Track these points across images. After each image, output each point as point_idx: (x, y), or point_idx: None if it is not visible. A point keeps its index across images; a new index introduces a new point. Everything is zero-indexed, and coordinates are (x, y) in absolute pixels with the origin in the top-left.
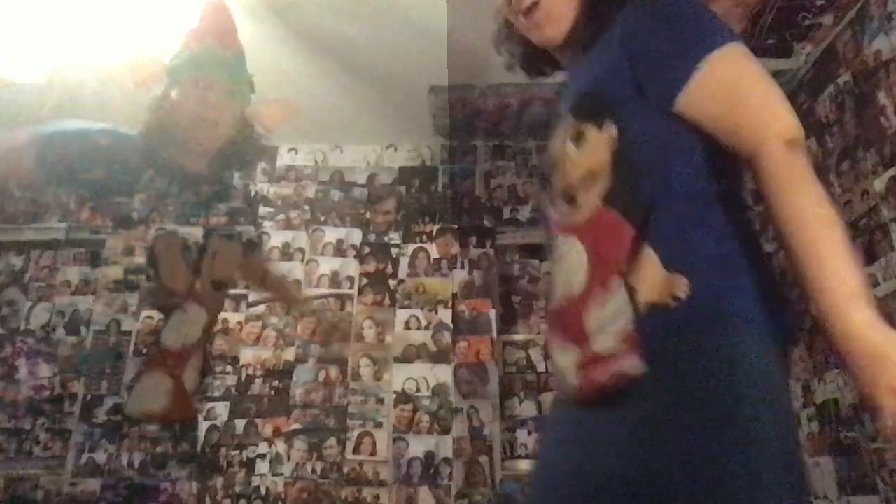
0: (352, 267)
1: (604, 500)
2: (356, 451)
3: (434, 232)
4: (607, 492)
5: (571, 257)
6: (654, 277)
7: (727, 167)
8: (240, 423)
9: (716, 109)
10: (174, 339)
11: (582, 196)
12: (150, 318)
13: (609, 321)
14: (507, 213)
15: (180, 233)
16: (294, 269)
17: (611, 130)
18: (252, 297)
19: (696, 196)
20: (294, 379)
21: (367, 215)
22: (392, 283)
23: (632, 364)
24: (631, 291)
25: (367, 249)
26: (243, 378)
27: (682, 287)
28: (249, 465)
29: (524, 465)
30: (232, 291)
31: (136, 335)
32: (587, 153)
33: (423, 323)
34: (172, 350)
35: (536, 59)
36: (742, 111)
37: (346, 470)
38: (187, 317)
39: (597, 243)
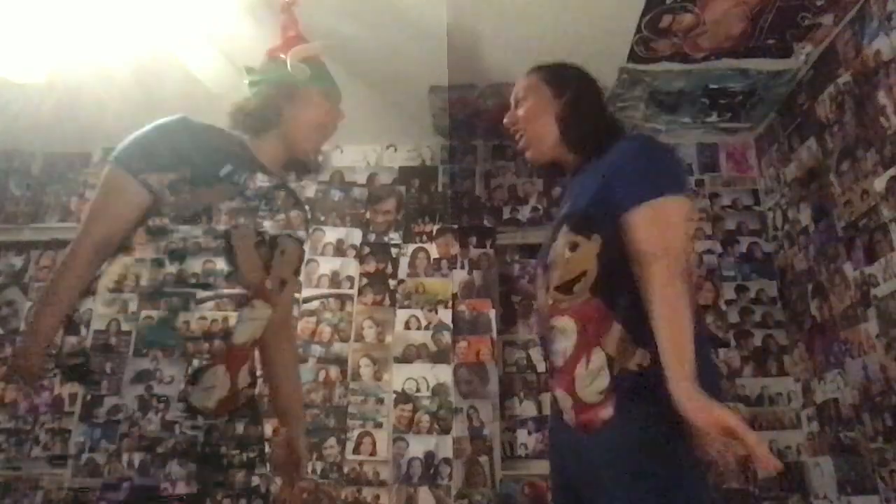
0: (352, 267)
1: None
2: (356, 451)
3: (434, 232)
4: (588, 486)
5: (566, 331)
6: (625, 350)
7: None
8: (240, 423)
9: (641, 230)
10: (242, 334)
11: (576, 287)
12: (149, 318)
13: (591, 378)
14: (507, 213)
15: (254, 226)
16: None
17: (597, 241)
18: None
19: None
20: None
21: (367, 215)
22: (392, 283)
23: (608, 412)
24: (609, 359)
25: (367, 249)
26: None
27: (643, 359)
28: (249, 465)
29: (524, 465)
30: (232, 291)
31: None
32: (579, 257)
33: (423, 323)
34: (237, 345)
35: (548, 169)
36: (662, 240)
37: (346, 470)
38: (255, 313)
39: (584, 322)
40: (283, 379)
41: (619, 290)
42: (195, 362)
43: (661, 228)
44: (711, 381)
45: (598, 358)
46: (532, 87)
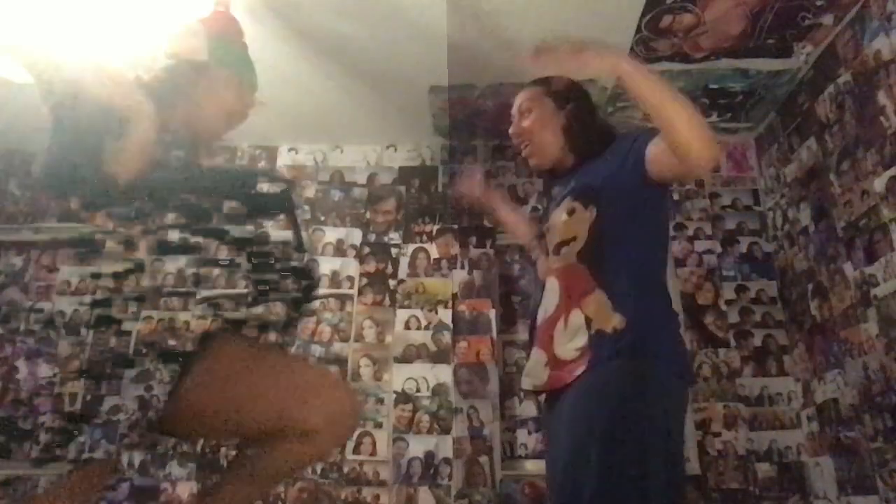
0: (352, 267)
1: (568, 462)
2: (356, 451)
3: (434, 232)
4: (570, 454)
5: (551, 291)
6: (604, 314)
7: (657, 238)
8: None
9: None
10: None
11: (564, 250)
12: (149, 318)
13: (570, 337)
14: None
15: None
16: None
17: (592, 212)
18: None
19: (638, 265)
20: None
21: (367, 215)
22: (392, 283)
23: (581, 367)
24: (588, 320)
25: (367, 249)
26: None
27: (620, 323)
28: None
29: (524, 465)
30: (232, 291)
31: (136, 335)
32: (573, 223)
33: (423, 323)
34: None
35: (549, 178)
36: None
37: (346, 470)
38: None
39: (567, 284)
40: None
41: (605, 261)
42: None
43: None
44: (682, 357)
45: (576, 318)
46: (535, 99)
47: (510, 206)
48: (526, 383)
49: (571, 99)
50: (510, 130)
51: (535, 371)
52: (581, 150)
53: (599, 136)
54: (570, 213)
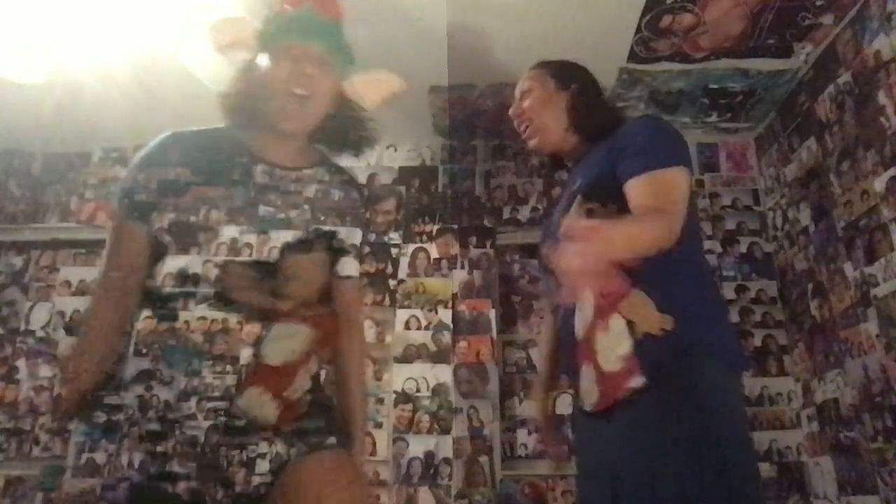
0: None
1: (616, 483)
2: None
3: (434, 232)
4: (618, 477)
5: (584, 301)
6: (648, 315)
7: (694, 235)
8: (240, 423)
9: (645, 192)
10: (273, 353)
11: None
12: (149, 318)
13: (612, 345)
14: (507, 213)
15: (247, 256)
16: None
17: (612, 210)
18: None
19: (674, 256)
20: None
21: (367, 215)
22: (392, 283)
23: (636, 381)
24: (630, 324)
25: (367, 249)
26: (244, 378)
27: (668, 323)
28: (249, 465)
29: (524, 465)
30: None
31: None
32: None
33: (423, 323)
34: (272, 366)
35: (550, 158)
36: (658, 200)
37: None
38: (287, 331)
39: (599, 290)
40: (348, 377)
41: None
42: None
43: (664, 191)
44: (733, 345)
45: (616, 324)
46: (537, 79)
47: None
48: (586, 405)
49: (575, 79)
50: (510, 111)
51: (588, 390)
52: (586, 131)
53: (605, 118)
54: (590, 214)
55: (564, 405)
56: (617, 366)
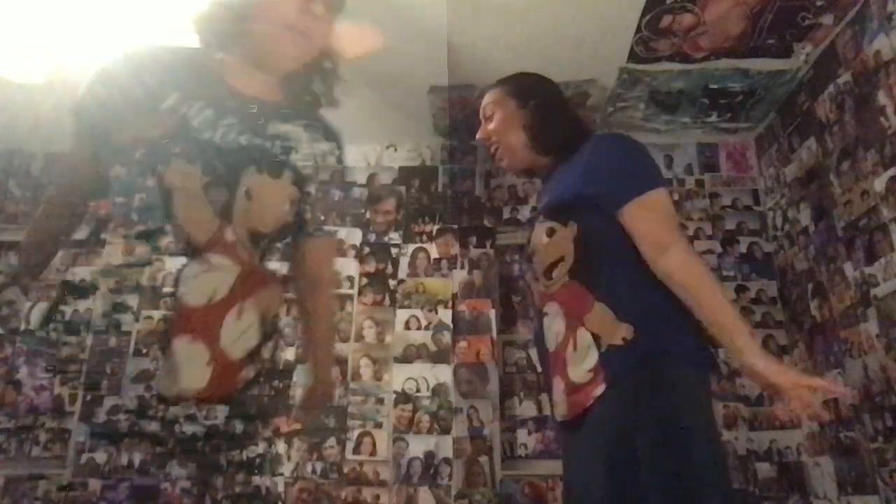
0: (352, 267)
1: (594, 490)
2: (356, 451)
3: (434, 232)
4: (596, 485)
5: (555, 316)
6: (609, 327)
7: None
8: (240, 423)
9: (642, 223)
10: (193, 293)
11: (555, 272)
12: (149, 318)
13: (581, 359)
14: (507, 213)
15: (201, 165)
16: None
17: (573, 227)
18: None
19: (631, 268)
20: (294, 379)
21: (367, 215)
22: (392, 283)
23: (599, 389)
24: (596, 337)
25: (367, 249)
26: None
27: (628, 332)
28: (249, 465)
29: (524, 465)
30: None
31: (136, 335)
32: (556, 242)
33: (423, 323)
34: (194, 308)
35: (525, 175)
36: (665, 228)
37: (346, 470)
38: (210, 267)
39: (567, 305)
40: (315, 328)
41: (597, 272)
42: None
43: (660, 217)
44: (694, 345)
45: (583, 338)
46: (497, 101)
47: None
48: (557, 415)
49: (534, 96)
50: (477, 135)
51: (558, 401)
52: (547, 149)
53: (567, 134)
54: (550, 233)
55: None
56: (585, 377)
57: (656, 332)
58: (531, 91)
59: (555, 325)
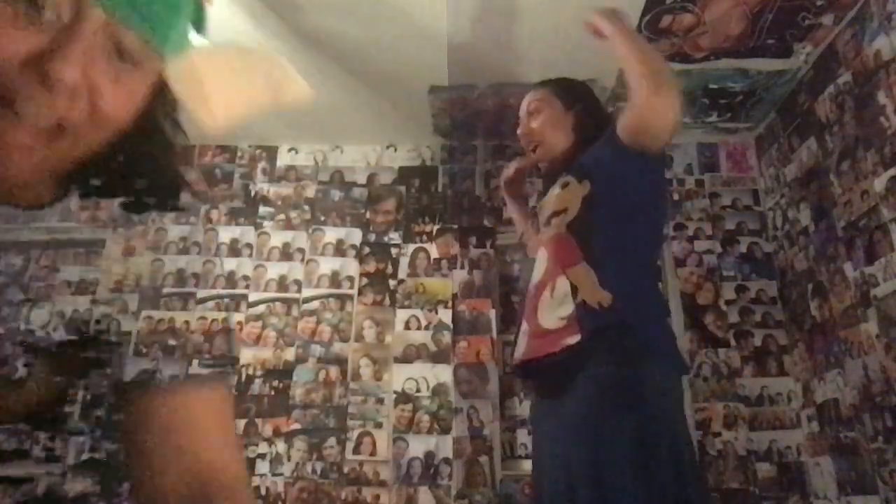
0: (352, 267)
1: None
2: (356, 451)
3: (434, 232)
4: (562, 458)
5: (540, 261)
6: (590, 286)
7: (653, 236)
8: (240, 423)
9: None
10: None
11: (554, 220)
12: (149, 318)
13: (555, 305)
14: (507, 213)
15: None
16: (294, 269)
17: (586, 186)
18: (253, 297)
19: (629, 245)
20: (294, 379)
21: (367, 215)
22: (392, 283)
23: (573, 338)
24: (574, 288)
25: (367, 249)
26: (243, 378)
27: (605, 300)
28: (249, 465)
29: (524, 465)
30: (233, 291)
31: (136, 335)
32: (566, 195)
33: (423, 323)
34: None
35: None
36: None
37: (346, 470)
38: None
39: (555, 252)
40: None
41: (594, 235)
42: None
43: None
44: (673, 348)
45: (562, 285)
46: (544, 100)
47: (522, 201)
48: (516, 357)
49: (579, 99)
50: (519, 131)
51: (520, 342)
52: (588, 144)
53: (604, 130)
54: (564, 186)
55: None
56: (556, 324)
57: (636, 321)
58: (576, 94)
59: (537, 271)
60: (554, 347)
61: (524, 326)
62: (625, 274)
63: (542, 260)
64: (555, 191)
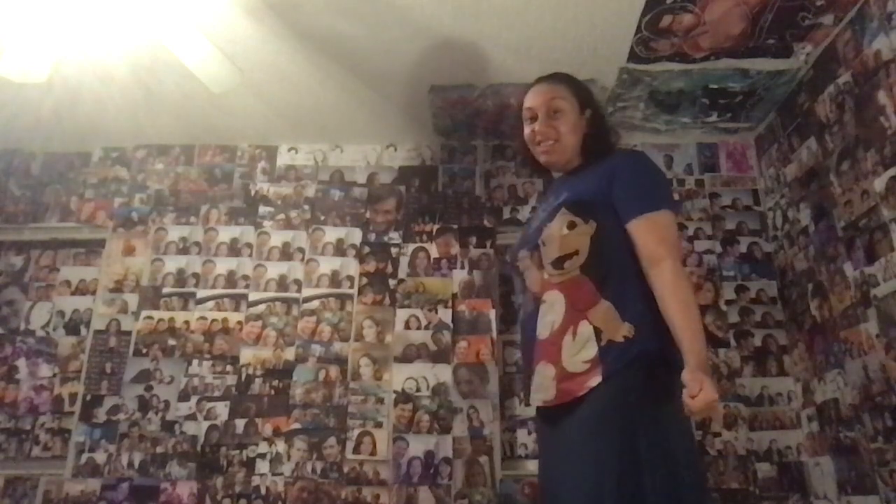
0: (352, 267)
1: (564, 485)
2: (356, 450)
3: (434, 232)
4: (568, 477)
5: (555, 304)
6: (613, 324)
7: None
8: (240, 423)
9: (645, 235)
10: None
11: (567, 264)
12: (149, 318)
13: (578, 348)
14: (507, 213)
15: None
16: (294, 269)
17: (592, 226)
18: (253, 296)
19: (639, 275)
20: (294, 378)
21: (367, 215)
22: (392, 282)
23: (595, 380)
24: (598, 331)
25: (367, 249)
26: (243, 378)
27: (629, 331)
28: (249, 465)
29: (524, 465)
30: (232, 291)
31: (136, 335)
32: (574, 236)
33: (423, 323)
34: None
35: (535, 169)
36: (665, 245)
37: (346, 470)
38: None
39: (572, 297)
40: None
41: (608, 272)
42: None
43: (662, 235)
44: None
45: (585, 330)
46: (566, 99)
47: None
48: (536, 399)
49: (591, 104)
50: (537, 127)
51: (544, 385)
52: (589, 156)
53: (607, 144)
54: (571, 226)
55: None
56: (580, 367)
57: (654, 335)
58: (589, 98)
59: (552, 314)
60: (580, 391)
61: (546, 369)
62: (642, 300)
63: (557, 303)
64: (560, 230)
